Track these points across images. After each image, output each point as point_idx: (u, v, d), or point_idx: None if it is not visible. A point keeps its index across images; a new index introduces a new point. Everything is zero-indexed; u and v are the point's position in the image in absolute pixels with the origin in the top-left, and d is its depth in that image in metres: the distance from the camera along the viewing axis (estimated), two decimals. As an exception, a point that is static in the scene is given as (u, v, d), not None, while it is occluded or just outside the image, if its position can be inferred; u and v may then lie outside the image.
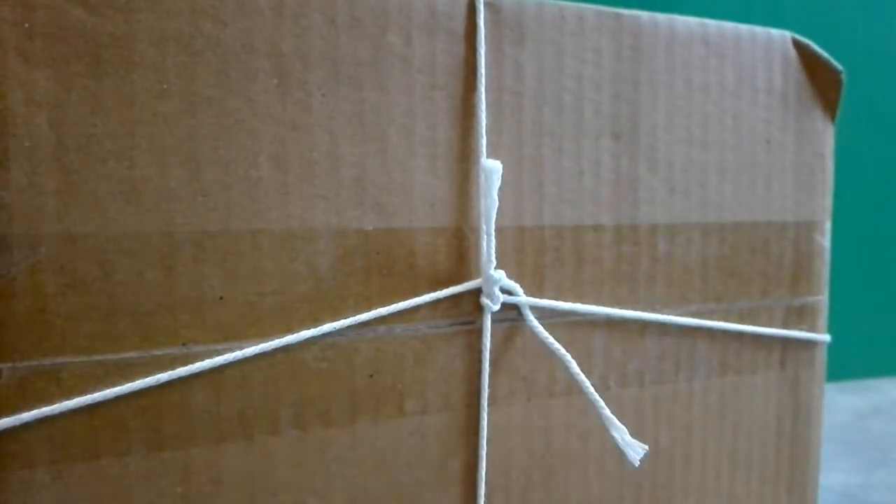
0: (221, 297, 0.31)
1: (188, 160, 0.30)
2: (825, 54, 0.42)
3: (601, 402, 0.35)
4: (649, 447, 0.39)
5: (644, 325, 0.40)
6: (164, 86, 0.29)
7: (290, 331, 0.32)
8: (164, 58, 0.29)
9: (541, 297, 0.37)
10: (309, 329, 0.32)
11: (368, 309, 0.33)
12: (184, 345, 0.30)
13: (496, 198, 0.34)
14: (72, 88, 0.28)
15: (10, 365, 0.28)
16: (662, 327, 0.40)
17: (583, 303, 0.38)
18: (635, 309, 0.39)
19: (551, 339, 0.36)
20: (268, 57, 0.31)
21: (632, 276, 0.39)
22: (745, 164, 0.41)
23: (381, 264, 0.33)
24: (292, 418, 0.32)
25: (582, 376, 0.35)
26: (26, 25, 0.27)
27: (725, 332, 0.42)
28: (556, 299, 0.37)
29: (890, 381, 0.99)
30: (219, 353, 0.31)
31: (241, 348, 0.31)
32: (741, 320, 0.42)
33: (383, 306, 0.33)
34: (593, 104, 0.37)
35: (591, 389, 0.35)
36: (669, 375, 0.40)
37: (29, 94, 0.28)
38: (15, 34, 0.27)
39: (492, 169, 0.33)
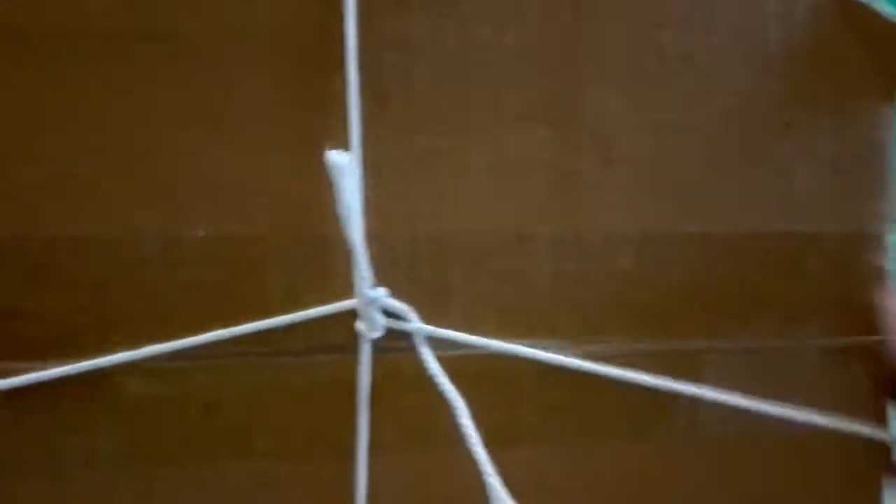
0: (22, 310, 0.27)
1: (-14, 156, 0.27)
2: (879, 2, 0.31)
3: (488, 467, 0.27)
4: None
5: (599, 362, 0.31)
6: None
7: (106, 353, 0.28)
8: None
9: (448, 324, 0.29)
10: (131, 352, 0.28)
11: (205, 330, 0.28)
12: (-18, 361, 0.27)
13: (353, 200, 0.27)
14: None
15: None
16: (628, 365, 0.31)
17: (507, 334, 0.30)
18: (581, 343, 0.30)
19: (441, 378, 0.28)
20: (85, 37, 0.27)
21: (578, 301, 0.30)
22: (753, 155, 0.31)
23: (217, 278, 0.28)
24: (111, 453, 0.28)
25: (469, 428, 0.28)
26: None
27: (717, 376, 0.31)
28: (471, 329, 0.30)
29: None
30: (18, 373, 0.27)
31: (45, 369, 0.27)
32: (745, 366, 0.31)
33: (224, 327, 0.28)
34: (515, 81, 0.29)
35: (479, 447, 0.27)
36: (639, 427, 0.31)
37: None
38: None
39: (339, 163, 0.27)
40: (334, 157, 0.26)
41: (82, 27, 0.27)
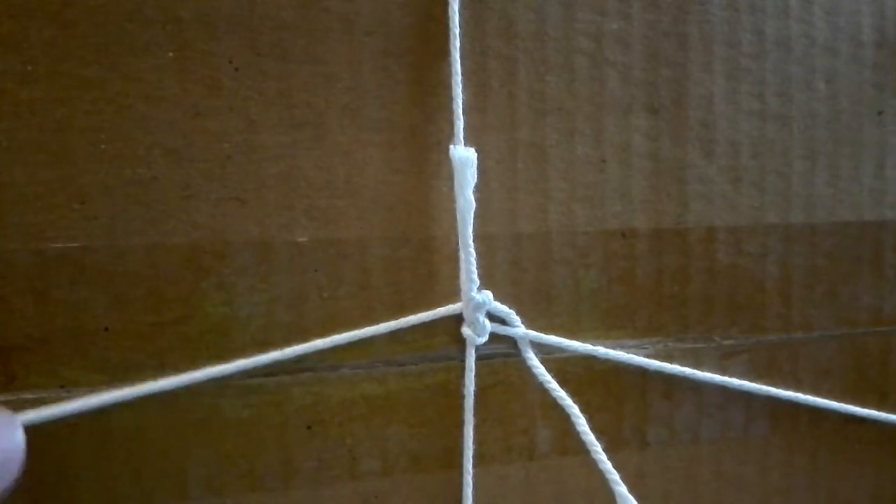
0: (107, 329, 0.25)
1: (61, 159, 0.24)
2: (970, -13, 0.30)
3: (614, 474, 0.26)
4: (707, 523, 0.30)
5: (698, 359, 0.30)
6: (29, 67, 0.23)
7: (197, 368, 0.25)
8: (28, 33, 0.23)
9: (547, 327, 0.28)
10: (221, 366, 0.25)
11: (303, 340, 0.26)
12: (62, 386, 0.24)
13: (471, 197, 0.25)
14: None
15: None
16: (727, 364, 0.30)
17: (607, 334, 0.29)
18: (684, 341, 0.29)
19: (553, 385, 0.27)
20: (162, 25, 0.24)
21: (679, 296, 0.29)
22: (846, 144, 0.30)
23: (320, 284, 0.26)
24: (205, 479, 0.26)
25: (590, 436, 0.26)
26: None
27: (820, 371, 0.31)
28: (570, 329, 0.28)
29: None
30: (103, 394, 0.25)
31: (133, 391, 0.25)
32: (841, 354, 0.31)
33: (324, 337, 0.26)
34: (619, 69, 0.28)
35: (602, 455, 0.26)
36: (736, 428, 0.30)
37: None
38: None
39: (463, 158, 0.25)
40: (458, 151, 0.24)
41: (160, 13, 0.24)
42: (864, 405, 0.31)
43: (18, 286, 0.24)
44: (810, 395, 0.30)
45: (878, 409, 0.31)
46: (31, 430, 0.24)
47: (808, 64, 0.30)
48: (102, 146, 0.24)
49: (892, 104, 0.31)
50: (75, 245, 0.24)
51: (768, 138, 0.30)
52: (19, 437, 0.22)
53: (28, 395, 0.24)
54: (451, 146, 0.25)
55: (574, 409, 0.27)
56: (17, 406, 0.24)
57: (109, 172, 0.24)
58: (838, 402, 0.31)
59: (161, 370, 0.25)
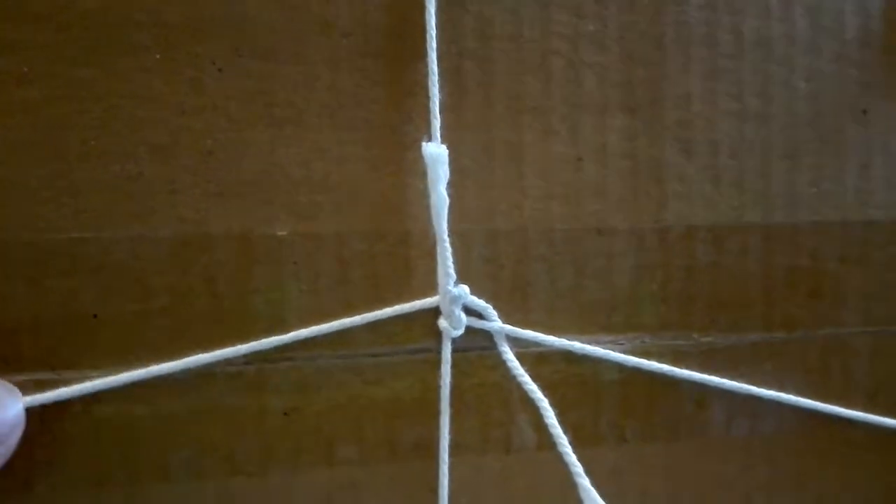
0: (96, 316, 0.26)
1: (53, 155, 0.25)
2: (956, -14, 0.30)
3: (578, 467, 0.26)
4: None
5: (677, 357, 0.30)
6: (24, 68, 0.25)
7: (181, 356, 0.26)
8: (24, 36, 0.25)
9: (523, 322, 0.29)
10: (204, 355, 0.26)
11: (283, 331, 0.27)
12: (52, 369, 0.26)
13: (444, 193, 0.26)
14: (-85, 74, 0.25)
15: None
16: (706, 361, 0.30)
17: (584, 330, 0.29)
18: (663, 338, 0.30)
19: (525, 378, 0.28)
20: (149, 28, 0.26)
21: (657, 294, 0.30)
22: (830, 143, 0.30)
23: (299, 277, 0.27)
24: (186, 463, 0.27)
25: (557, 427, 0.27)
26: None
27: (804, 371, 0.31)
28: (548, 324, 0.29)
29: None
30: (95, 380, 0.26)
31: (122, 376, 0.26)
32: (827, 354, 0.31)
33: (302, 328, 0.27)
34: (595, 69, 0.29)
35: (567, 448, 0.27)
36: (718, 426, 0.30)
37: None
38: None
39: (435, 155, 0.26)
40: (430, 148, 0.25)
41: (148, 17, 0.26)
42: (851, 407, 0.31)
43: (12, 274, 0.25)
44: (794, 394, 0.30)
45: (866, 411, 0.31)
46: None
47: (789, 63, 0.30)
48: (92, 143, 0.25)
49: (877, 103, 0.30)
50: (66, 237, 0.25)
51: (747, 138, 0.30)
52: (20, 409, 0.24)
53: (20, 377, 0.25)
54: (423, 143, 0.26)
55: (543, 402, 0.27)
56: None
57: (99, 168, 0.25)
58: (824, 402, 0.31)
59: (146, 356, 0.26)
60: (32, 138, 0.25)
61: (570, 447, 0.27)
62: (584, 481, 0.26)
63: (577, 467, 0.26)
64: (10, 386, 0.25)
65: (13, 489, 0.26)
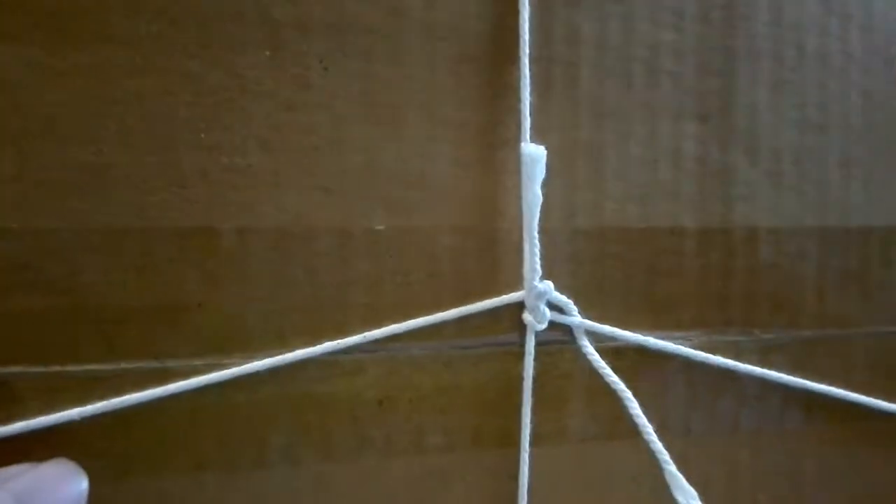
0: (200, 305, 0.26)
1: (163, 146, 0.26)
2: None
3: (665, 455, 0.28)
4: (746, 508, 0.31)
5: (739, 352, 0.32)
6: (137, 60, 0.26)
7: (282, 346, 0.27)
8: (138, 29, 0.25)
9: (600, 317, 0.30)
10: (304, 345, 0.27)
11: (378, 324, 0.28)
12: (156, 358, 0.26)
13: (540, 192, 0.27)
14: (33, 65, 0.25)
15: (-42, 373, 0.25)
16: (766, 357, 0.32)
17: (656, 325, 0.31)
18: (727, 334, 0.31)
19: (608, 370, 0.29)
20: (259, 25, 0.26)
21: (723, 292, 0.31)
22: (881, 153, 0.32)
23: (394, 270, 0.28)
24: (283, 449, 0.27)
25: (643, 419, 0.28)
26: (-18, -6, 0.24)
27: (853, 366, 0.33)
28: (621, 319, 0.30)
29: None
30: (198, 369, 0.26)
31: (223, 364, 0.27)
32: (873, 351, 0.33)
33: (397, 321, 0.28)
34: (672, 77, 0.30)
35: (654, 437, 0.28)
36: (773, 418, 0.32)
37: (-16, 71, 0.25)
38: (-31, 4, 0.24)
39: (534, 155, 0.27)
40: (528, 148, 0.27)
41: (259, 15, 0.26)
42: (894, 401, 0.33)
43: (121, 262, 0.26)
44: (843, 389, 0.32)
45: (908, 406, 0.33)
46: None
47: (845, 78, 0.32)
48: (202, 135, 0.26)
49: (923, 117, 0.33)
50: (174, 225, 0.26)
51: (807, 146, 0.32)
52: (83, 488, 0.24)
53: (125, 365, 0.26)
54: (522, 143, 0.27)
55: (627, 394, 0.29)
56: (116, 375, 0.26)
57: (208, 160, 0.26)
58: (869, 396, 0.33)
59: (248, 345, 0.27)
60: (144, 128, 0.26)
61: (654, 435, 0.28)
62: (672, 467, 0.27)
63: (664, 454, 0.28)
64: (76, 466, 0.25)
65: (111, 475, 0.26)
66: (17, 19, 0.25)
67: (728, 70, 0.31)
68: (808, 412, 0.32)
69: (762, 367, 0.31)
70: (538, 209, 0.27)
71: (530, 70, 0.28)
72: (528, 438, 0.29)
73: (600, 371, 0.29)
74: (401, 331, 0.28)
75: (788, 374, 0.32)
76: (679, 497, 0.27)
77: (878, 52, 0.32)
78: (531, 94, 0.28)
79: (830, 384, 0.32)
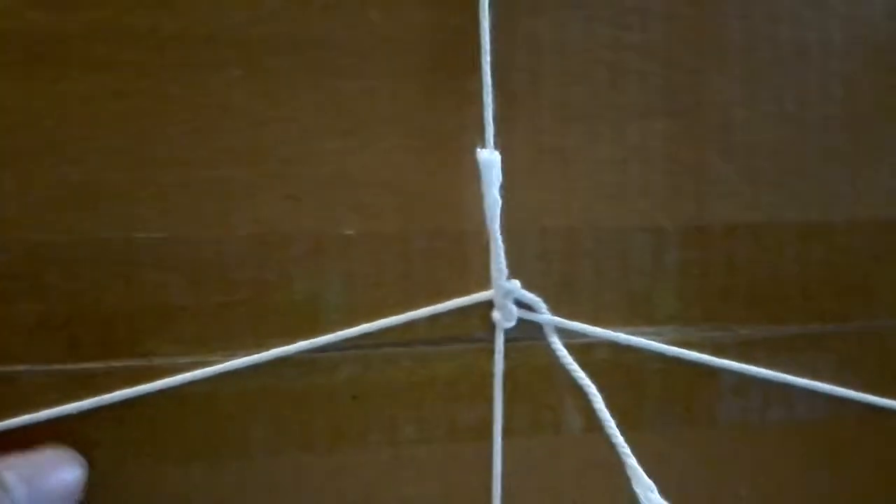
0: (184, 307, 0.29)
1: (147, 162, 0.28)
2: None
3: (625, 448, 0.28)
4: (727, 502, 0.32)
5: (718, 348, 0.32)
6: (121, 85, 0.28)
7: (262, 345, 0.29)
8: (121, 55, 0.28)
9: (571, 315, 0.31)
10: (282, 344, 0.29)
11: (352, 323, 0.29)
12: (145, 357, 0.29)
13: (497, 195, 0.28)
14: (28, 91, 0.27)
15: (-31, 372, 0.28)
16: (745, 352, 0.32)
17: (628, 322, 0.31)
18: (703, 330, 0.32)
19: (574, 366, 0.30)
20: (231, 47, 0.28)
21: (699, 289, 0.32)
22: (865, 145, 0.32)
23: (366, 273, 0.30)
24: (264, 440, 0.29)
25: (605, 413, 0.29)
26: (-18, 31, 0.27)
27: (839, 362, 0.32)
28: (594, 317, 0.31)
29: None
30: (183, 366, 0.29)
31: (207, 362, 0.29)
32: (862, 346, 0.33)
33: (370, 320, 0.30)
34: (637, 77, 0.30)
35: (616, 431, 0.29)
36: (753, 412, 0.32)
37: (-15, 99, 0.27)
38: (-29, 40, 0.27)
39: (490, 161, 0.28)
40: (484, 154, 0.28)
41: (230, 36, 0.28)
42: (881, 395, 0.32)
43: (110, 269, 0.28)
44: (827, 383, 0.32)
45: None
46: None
47: (825, 69, 0.31)
48: (179, 151, 0.28)
49: (910, 107, 0.32)
50: (157, 235, 0.28)
51: (786, 140, 0.31)
52: (79, 474, 0.27)
53: (116, 364, 0.28)
54: (478, 149, 0.28)
55: (591, 388, 0.29)
56: (109, 372, 0.28)
57: (185, 174, 0.28)
58: (855, 391, 0.32)
59: (229, 344, 0.29)
60: (126, 146, 0.28)
61: (616, 429, 0.29)
62: (632, 461, 0.28)
63: (625, 448, 0.28)
64: (74, 452, 0.28)
65: (107, 468, 0.29)
66: (13, 49, 0.27)
67: (697, 66, 0.31)
68: (790, 408, 0.32)
69: (741, 362, 0.32)
70: (498, 211, 0.28)
71: (492, 78, 0.29)
72: (499, 431, 0.30)
73: (567, 366, 0.30)
74: (373, 329, 0.29)
75: (768, 368, 0.32)
76: (637, 489, 0.28)
77: (860, 41, 0.32)
78: (494, 102, 0.29)
79: (815, 379, 0.32)
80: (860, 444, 0.33)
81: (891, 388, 0.33)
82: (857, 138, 0.32)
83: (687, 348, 0.31)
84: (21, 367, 0.28)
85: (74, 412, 0.28)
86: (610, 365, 0.31)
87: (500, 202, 0.28)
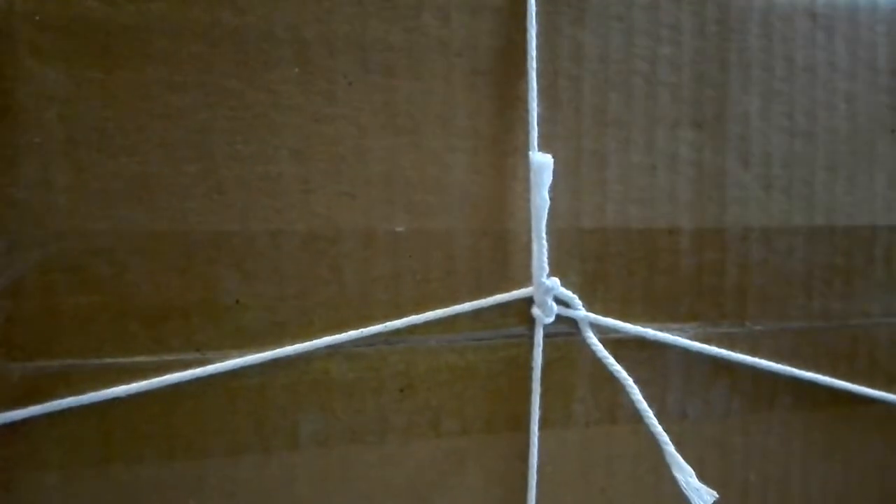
0: (238, 301, 0.29)
1: (203, 156, 0.28)
2: (973, 23, 0.35)
3: (665, 437, 0.30)
4: (738, 487, 0.34)
5: (732, 342, 0.34)
6: (179, 77, 0.28)
7: (312, 338, 0.29)
8: (179, 48, 0.28)
9: (603, 311, 0.32)
10: (332, 337, 0.30)
11: (398, 317, 0.30)
12: (198, 350, 0.29)
13: (547, 196, 0.30)
14: (83, 82, 0.27)
15: (19, 365, 0.27)
16: (755, 346, 0.34)
17: (654, 318, 0.33)
18: (720, 326, 0.34)
19: (611, 360, 0.31)
20: (289, 44, 0.29)
21: (717, 287, 0.34)
22: (863, 157, 0.35)
23: (413, 269, 0.30)
24: (313, 432, 0.30)
25: (644, 405, 0.31)
26: (37, 18, 0.27)
27: (836, 355, 0.35)
28: (623, 313, 0.33)
29: None
30: (235, 359, 0.29)
31: (258, 355, 0.29)
32: (855, 342, 0.35)
33: (416, 314, 0.30)
34: (670, 88, 0.32)
35: (654, 421, 0.30)
36: (763, 404, 0.35)
37: (40, 89, 0.27)
38: (26, 27, 0.27)
39: (541, 163, 0.29)
40: (536, 157, 0.29)
41: (288, 34, 0.28)
42: (874, 387, 0.35)
43: (164, 263, 0.28)
44: (827, 376, 0.35)
45: (887, 392, 0.36)
46: (171, 389, 0.28)
47: (831, 87, 0.34)
48: (238, 146, 0.28)
49: (903, 123, 0.35)
50: (213, 229, 0.28)
51: (796, 151, 0.34)
52: None
53: (168, 357, 0.28)
54: (530, 152, 0.29)
55: (629, 381, 0.31)
56: (162, 366, 0.28)
57: (243, 168, 0.28)
58: (851, 384, 0.35)
59: (281, 337, 0.29)
60: (184, 140, 0.28)
61: (655, 419, 0.31)
62: (671, 448, 0.30)
63: (664, 436, 0.30)
64: None
65: (155, 459, 0.28)
66: (68, 41, 0.27)
67: (722, 80, 0.33)
68: (795, 398, 0.35)
69: (753, 356, 0.34)
70: (546, 212, 0.30)
71: (537, 83, 0.30)
72: (536, 423, 0.32)
73: (604, 361, 0.31)
74: (419, 322, 0.30)
75: (778, 363, 0.34)
76: (678, 475, 0.30)
77: (862, 62, 0.34)
78: (539, 106, 0.31)
79: (816, 372, 0.35)
80: (861, 434, 0.36)
81: (879, 380, 0.36)
82: (857, 151, 0.35)
83: (705, 343, 0.33)
84: (72, 361, 0.28)
85: (123, 399, 0.28)
86: (637, 360, 0.33)
87: (548, 203, 0.30)
